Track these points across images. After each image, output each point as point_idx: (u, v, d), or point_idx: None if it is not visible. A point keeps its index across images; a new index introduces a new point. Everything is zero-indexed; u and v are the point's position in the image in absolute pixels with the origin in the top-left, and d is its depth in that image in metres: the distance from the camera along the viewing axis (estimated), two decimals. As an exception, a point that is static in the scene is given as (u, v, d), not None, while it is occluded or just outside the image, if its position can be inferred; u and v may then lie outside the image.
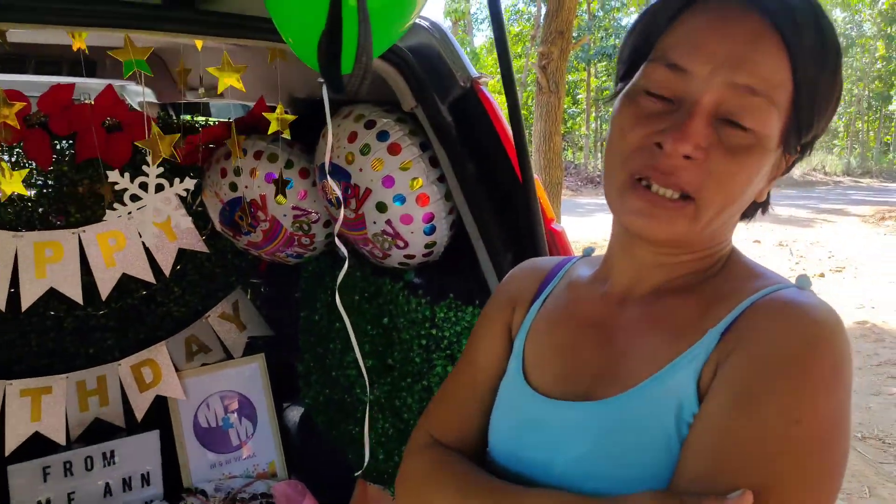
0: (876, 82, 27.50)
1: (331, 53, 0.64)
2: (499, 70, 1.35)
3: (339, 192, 1.52)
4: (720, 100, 0.66)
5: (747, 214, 0.77)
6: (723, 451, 0.61)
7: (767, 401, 0.60)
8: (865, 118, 29.41)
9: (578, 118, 25.19)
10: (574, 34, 7.43)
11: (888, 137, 28.92)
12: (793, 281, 0.70)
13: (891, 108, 28.40)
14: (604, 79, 24.42)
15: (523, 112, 1.49)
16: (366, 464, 1.56)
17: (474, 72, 1.49)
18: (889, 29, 24.87)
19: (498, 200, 1.44)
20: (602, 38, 22.05)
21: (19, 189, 1.55)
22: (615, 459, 0.67)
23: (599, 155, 26.76)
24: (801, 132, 0.69)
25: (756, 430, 0.60)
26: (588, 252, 0.93)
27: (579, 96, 24.53)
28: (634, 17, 0.76)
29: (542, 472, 0.73)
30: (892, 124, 28.80)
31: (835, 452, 0.61)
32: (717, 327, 0.67)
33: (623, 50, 0.77)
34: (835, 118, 0.76)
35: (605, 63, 22.76)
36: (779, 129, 0.67)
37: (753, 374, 0.62)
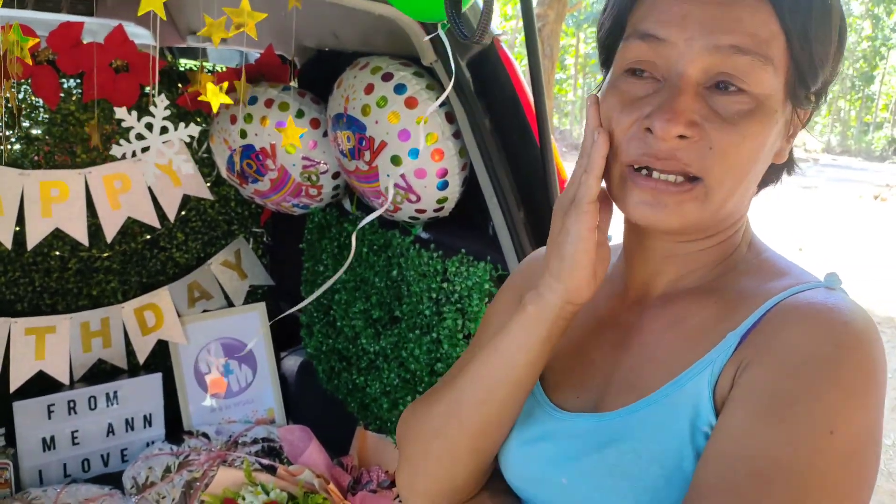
0: (860, 62, 27.67)
1: (455, 1, 0.64)
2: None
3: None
4: (706, 66, 0.62)
5: (771, 179, 0.73)
6: (747, 460, 0.56)
7: (796, 409, 0.55)
8: (848, 97, 29.66)
9: (565, 84, 25.07)
10: (569, -3, 7.37)
11: (868, 118, 29.23)
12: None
13: (873, 88, 28.65)
14: (592, 44, 24.28)
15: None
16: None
17: (495, 29, 1.49)
18: (876, 9, 24.93)
19: (513, 158, 1.46)
20: (593, 2, 21.86)
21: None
22: (623, 471, 0.64)
23: (585, 122, 26.71)
24: (807, 82, 0.64)
25: (785, 439, 0.55)
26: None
27: (567, 62, 24.41)
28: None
29: (549, 486, 0.71)
30: (874, 105, 29.08)
31: (867, 467, 0.57)
32: (736, 331, 0.63)
33: (599, 34, 0.73)
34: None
35: (594, 29, 22.60)
36: (780, 84, 0.63)
37: (779, 380, 0.57)
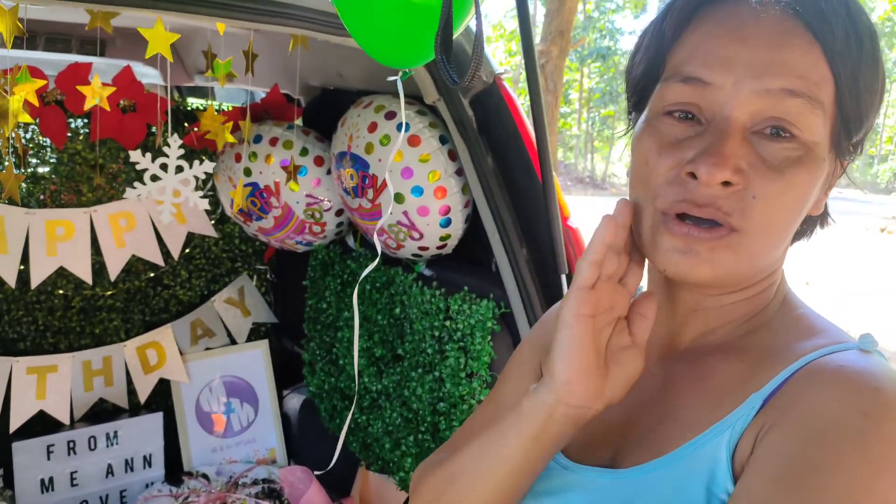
0: (864, 94, 27.78)
1: (445, 47, 0.64)
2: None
3: (390, 187, 1.53)
4: (754, 111, 0.58)
5: (805, 232, 0.69)
6: None
7: (818, 480, 0.51)
8: (851, 130, 29.72)
9: (570, 118, 25.30)
10: (572, 34, 7.46)
11: (873, 150, 29.31)
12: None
13: (877, 121, 28.75)
14: (596, 79, 24.57)
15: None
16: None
17: (497, 67, 1.50)
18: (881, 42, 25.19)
19: (515, 195, 1.46)
20: (596, 38, 22.19)
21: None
22: None
23: (589, 156, 26.92)
24: (851, 131, 0.61)
25: None
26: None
27: (571, 96, 24.66)
28: (629, 18, 0.70)
29: None
30: (878, 137, 29.20)
31: None
32: (760, 392, 0.58)
33: (630, 75, 0.69)
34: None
35: (598, 64, 22.89)
36: (827, 132, 0.60)
37: (799, 447, 0.53)
